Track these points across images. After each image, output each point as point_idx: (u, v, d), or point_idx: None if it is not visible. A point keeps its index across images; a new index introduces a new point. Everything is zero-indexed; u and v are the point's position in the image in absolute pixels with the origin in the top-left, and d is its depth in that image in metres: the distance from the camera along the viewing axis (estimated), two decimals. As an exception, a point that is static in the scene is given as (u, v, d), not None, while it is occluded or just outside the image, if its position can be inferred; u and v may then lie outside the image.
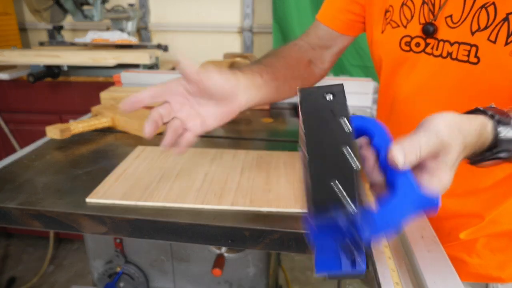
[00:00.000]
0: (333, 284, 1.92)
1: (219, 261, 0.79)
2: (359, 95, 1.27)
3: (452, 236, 0.74)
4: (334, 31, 0.79)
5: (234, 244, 0.58)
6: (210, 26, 2.17)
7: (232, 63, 1.14)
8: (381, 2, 0.71)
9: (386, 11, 0.69)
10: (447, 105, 0.62)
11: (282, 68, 0.71)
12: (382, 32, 0.71)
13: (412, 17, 0.65)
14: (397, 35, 0.67)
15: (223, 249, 0.81)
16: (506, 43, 0.54)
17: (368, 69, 1.84)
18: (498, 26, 0.54)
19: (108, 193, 0.64)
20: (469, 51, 0.58)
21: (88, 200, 0.62)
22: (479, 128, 0.40)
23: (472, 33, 0.57)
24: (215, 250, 0.81)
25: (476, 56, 0.57)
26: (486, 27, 0.55)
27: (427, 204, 0.35)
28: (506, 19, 0.53)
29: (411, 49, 0.66)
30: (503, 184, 0.67)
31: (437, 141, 0.35)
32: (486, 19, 0.55)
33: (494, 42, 0.55)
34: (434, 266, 0.52)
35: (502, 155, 0.42)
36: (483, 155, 0.43)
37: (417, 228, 0.60)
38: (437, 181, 0.36)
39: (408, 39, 0.66)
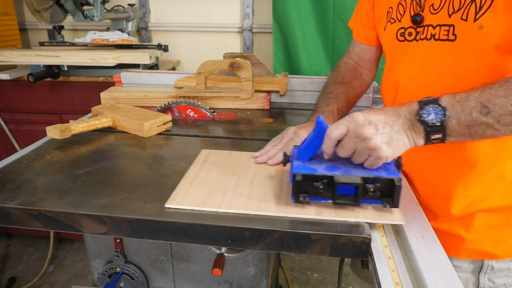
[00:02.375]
0: (333, 284, 1.92)
1: (219, 261, 0.78)
2: (359, 95, 1.27)
3: (447, 211, 0.77)
4: (366, 46, 0.97)
5: (234, 244, 0.58)
6: (210, 26, 2.17)
7: (232, 63, 1.14)
8: (383, 6, 0.84)
9: (388, 12, 0.82)
10: (438, 83, 0.72)
11: (350, 92, 0.97)
12: (384, 29, 0.83)
13: (404, 12, 0.77)
14: (394, 28, 0.79)
15: (223, 249, 0.81)
16: (475, 20, 0.65)
17: (368, 69, 1.84)
18: (468, 7, 0.65)
19: (187, 199, 0.63)
20: (448, 31, 0.69)
21: (167, 205, 0.62)
22: (386, 107, 0.62)
23: (449, 15, 0.68)
24: (215, 250, 0.81)
25: (453, 34, 0.68)
26: (459, 9, 0.67)
27: (322, 130, 0.61)
28: (473, 0, 0.65)
29: (405, 39, 0.77)
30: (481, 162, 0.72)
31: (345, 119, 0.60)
32: (459, 2, 0.67)
33: (466, 20, 0.66)
34: (434, 266, 0.52)
35: (428, 118, 0.57)
36: (419, 112, 0.58)
37: (417, 228, 0.60)
38: (334, 125, 0.60)
39: (402, 30, 0.77)
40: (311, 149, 0.64)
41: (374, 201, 0.60)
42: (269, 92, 1.24)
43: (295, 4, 1.87)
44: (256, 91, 1.23)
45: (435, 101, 0.57)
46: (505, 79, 0.56)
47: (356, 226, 0.57)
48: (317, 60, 1.93)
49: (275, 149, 0.79)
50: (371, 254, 0.56)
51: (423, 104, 0.57)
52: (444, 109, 0.56)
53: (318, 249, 0.56)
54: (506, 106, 0.54)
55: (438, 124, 0.56)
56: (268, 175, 0.72)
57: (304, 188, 0.60)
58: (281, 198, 0.64)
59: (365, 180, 0.58)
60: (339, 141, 0.60)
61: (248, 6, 2.08)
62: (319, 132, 0.61)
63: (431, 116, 0.56)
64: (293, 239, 0.56)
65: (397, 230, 0.62)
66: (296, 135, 0.81)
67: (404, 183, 0.77)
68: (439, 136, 0.57)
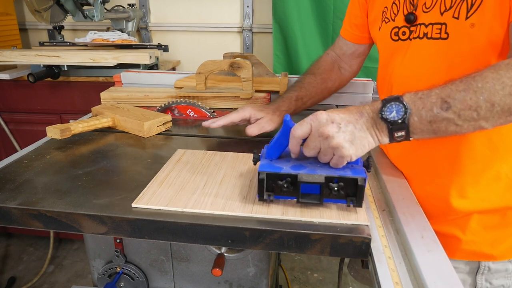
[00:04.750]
0: (333, 284, 1.92)
1: (219, 261, 0.78)
2: (359, 95, 1.27)
3: (443, 213, 0.76)
4: (350, 42, 0.99)
5: (234, 244, 0.58)
6: (210, 26, 2.17)
7: (232, 63, 1.14)
8: (378, 6, 0.84)
9: (383, 12, 0.82)
10: (430, 80, 0.71)
11: (318, 83, 1.00)
12: (379, 29, 0.83)
13: (398, 11, 0.77)
14: (389, 28, 0.79)
15: (223, 249, 0.81)
16: (467, 18, 0.65)
17: (368, 69, 1.84)
18: (459, 5, 0.66)
19: (154, 199, 0.63)
20: (440, 29, 0.69)
21: (134, 205, 0.62)
22: (350, 107, 0.62)
23: (441, 14, 0.68)
24: (215, 250, 0.81)
25: (446, 32, 0.68)
26: (451, 7, 0.67)
27: (288, 129, 0.61)
28: None
29: (399, 38, 0.77)
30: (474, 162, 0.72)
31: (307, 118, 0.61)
32: (451, 1, 0.67)
33: (457, 18, 0.66)
34: (434, 266, 0.52)
35: (389, 115, 0.57)
36: (381, 110, 0.58)
37: (417, 228, 0.60)
38: (298, 124, 0.60)
39: (396, 29, 0.78)
40: (278, 148, 0.64)
41: (339, 200, 0.60)
42: (269, 92, 1.24)
43: (295, 4, 1.87)
44: (256, 91, 1.23)
45: (397, 99, 0.57)
46: (467, 75, 0.56)
47: (356, 226, 0.57)
48: (317, 60, 1.94)
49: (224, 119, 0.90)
50: (371, 254, 0.56)
51: (385, 102, 0.57)
52: (405, 106, 0.56)
53: (318, 249, 0.56)
54: (466, 100, 0.53)
55: (399, 121, 0.56)
56: (239, 175, 0.72)
57: (269, 187, 0.60)
58: (248, 198, 0.64)
59: (329, 179, 0.58)
60: (305, 140, 0.60)
61: (248, 6, 2.08)
62: (285, 131, 0.62)
63: (393, 114, 0.56)
64: (293, 239, 0.56)
65: (397, 230, 0.62)
66: (242, 108, 0.91)
67: (404, 183, 0.77)
68: (402, 133, 0.57)
